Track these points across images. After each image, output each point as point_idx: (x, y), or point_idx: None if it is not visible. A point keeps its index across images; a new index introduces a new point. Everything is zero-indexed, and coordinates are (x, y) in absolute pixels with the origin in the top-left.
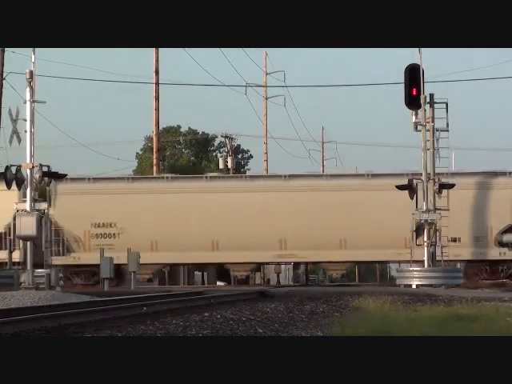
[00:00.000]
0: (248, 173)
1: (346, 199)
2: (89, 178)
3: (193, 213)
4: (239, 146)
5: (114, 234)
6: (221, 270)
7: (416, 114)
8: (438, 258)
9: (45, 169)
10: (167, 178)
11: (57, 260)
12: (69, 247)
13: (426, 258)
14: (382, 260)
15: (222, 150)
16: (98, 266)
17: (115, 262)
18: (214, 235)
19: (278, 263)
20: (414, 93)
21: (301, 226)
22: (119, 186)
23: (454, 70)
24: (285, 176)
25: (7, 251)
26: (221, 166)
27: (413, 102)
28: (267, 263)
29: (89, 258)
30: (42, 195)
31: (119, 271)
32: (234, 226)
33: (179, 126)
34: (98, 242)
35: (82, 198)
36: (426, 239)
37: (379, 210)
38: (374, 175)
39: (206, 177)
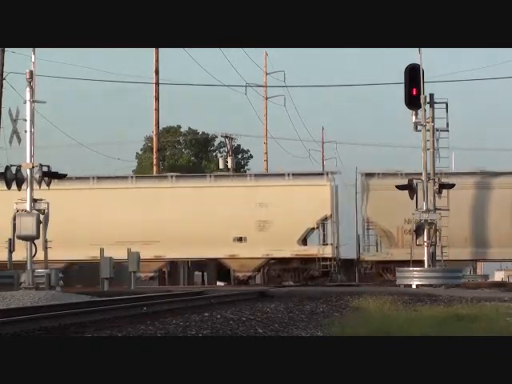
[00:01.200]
0: None
1: None
2: (401, 174)
3: (503, 208)
4: (239, 146)
5: None
6: (221, 270)
7: (416, 114)
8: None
9: (45, 169)
10: (474, 173)
11: (368, 256)
12: (380, 243)
13: (425, 258)
14: None
15: (222, 150)
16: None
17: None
18: None
19: None
20: (414, 93)
21: None
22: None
23: (454, 70)
24: None
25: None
26: (221, 165)
27: (413, 102)
28: None
29: (401, 254)
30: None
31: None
32: None
33: (179, 126)
34: (410, 238)
35: (396, 194)
36: (426, 239)
37: None
38: None
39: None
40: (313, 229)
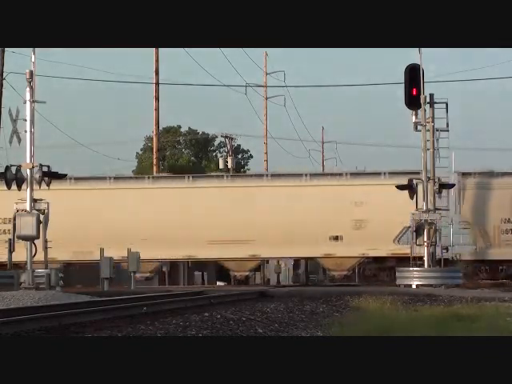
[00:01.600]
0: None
1: None
2: (498, 173)
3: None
4: (239, 146)
5: None
6: (220, 270)
7: (416, 114)
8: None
9: (45, 169)
10: None
11: (465, 255)
12: (476, 242)
13: (425, 258)
14: None
15: (221, 150)
16: (507, 261)
17: None
18: None
19: None
20: (414, 93)
21: None
22: None
23: (454, 70)
24: None
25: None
26: (221, 165)
27: (413, 102)
28: None
29: (497, 253)
30: None
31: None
32: None
33: (179, 126)
34: (506, 237)
35: (492, 193)
36: (426, 239)
37: None
38: None
39: None
40: (409, 227)
